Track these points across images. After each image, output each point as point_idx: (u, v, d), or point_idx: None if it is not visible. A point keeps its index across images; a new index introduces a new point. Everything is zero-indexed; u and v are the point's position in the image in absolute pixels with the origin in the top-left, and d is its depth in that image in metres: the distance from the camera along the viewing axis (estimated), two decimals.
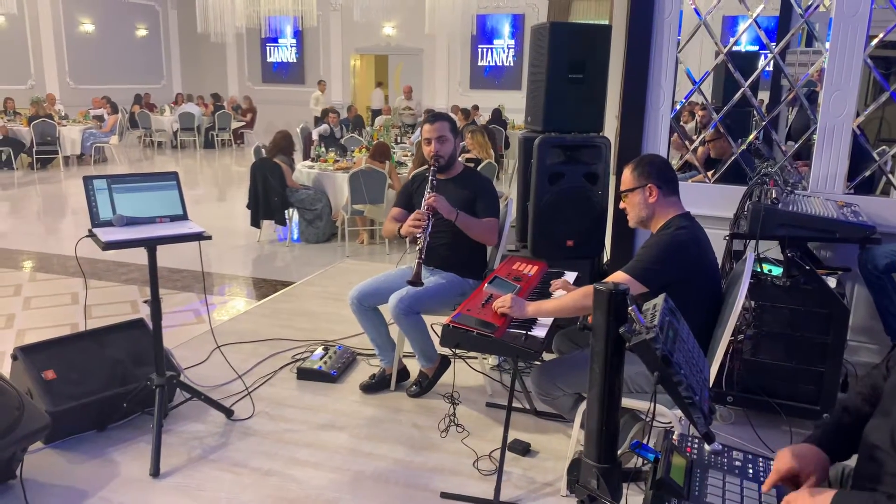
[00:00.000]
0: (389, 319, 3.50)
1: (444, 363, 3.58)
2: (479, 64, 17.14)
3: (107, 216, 2.91)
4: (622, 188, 2.67)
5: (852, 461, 1.59)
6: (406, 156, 8.23)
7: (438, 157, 3.40)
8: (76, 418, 3.04)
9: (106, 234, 2.80)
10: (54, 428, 2.81)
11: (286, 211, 7.06)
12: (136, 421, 3.23)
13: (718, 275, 2.68)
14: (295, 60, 18.90)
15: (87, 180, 2.92)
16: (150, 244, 2.94)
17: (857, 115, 3.69)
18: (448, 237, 3.42)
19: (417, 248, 3.27)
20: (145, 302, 3.06)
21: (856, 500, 1.33)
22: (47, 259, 6.28)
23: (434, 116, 3.52)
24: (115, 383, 3.15)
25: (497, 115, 12.61)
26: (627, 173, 2.64)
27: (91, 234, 2.84)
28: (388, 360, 3.61)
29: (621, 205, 2.71)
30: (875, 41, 3.59)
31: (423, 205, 3.31)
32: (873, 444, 1.47)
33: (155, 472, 2.83)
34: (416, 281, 3.21)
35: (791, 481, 1.51)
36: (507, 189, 9.83)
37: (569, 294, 2.66)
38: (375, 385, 3.61)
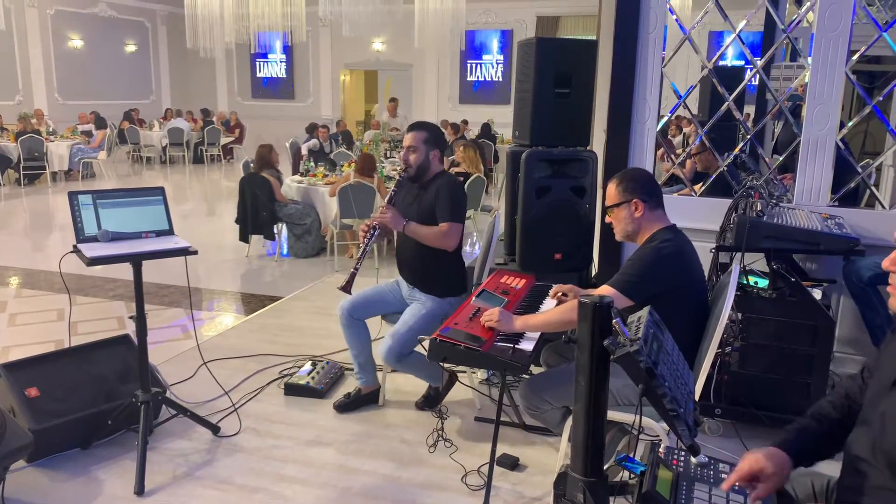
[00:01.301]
0: (373, 335, 3.51)
1: (453, 379, 3.58)
2: (468, 79, 17.24)
3: (92, 232, 2.90)
4: (608, 203, 2.68)
5: (836, 471, 1.59)
6: (395, 170, 8.24)
7: (407, 165, 3.41)
8: (60, 436, 3.00)
9: (91, 250, 2.78)
10: (37, 446, 2.77)
11: (275, 226, 7.04)
12: (120, 438, 3.19)
13: (705, 287, 2.69)
14: (284, 76, 18.95)
15: (73, 196, 2.91)
16: (136, 259, 2.93)
17: (842, 127, 3.73)
18: (416, 248, 3.36)
19: (356, 256, 3.32)
20: (131, 318, 3.04)
21: None
22: (33, 275, 6.23)
23: (411, 126, 3.51)
24: (100, 400, 3.12)
25: (486, 130, 12.67)
26: (612, 188, 2.65)
27: (76, 250, 2.83)
28: (366, 381, 3.57)
29: (607, 219, 2.72)
30: (856, 56, 3.63)
31: (374, 217, 3.35)
32: (856, 456, 1.47)
33: (139, 490, 2.79)
34: (346, 287, 3.30)
35: (751, 481, 1.52)
36: (497, 203, 9.85)
37: (556, 308, 2.66)
38: (351, 404, 3.55)
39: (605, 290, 2.48)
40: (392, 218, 3.29)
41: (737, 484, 1.51)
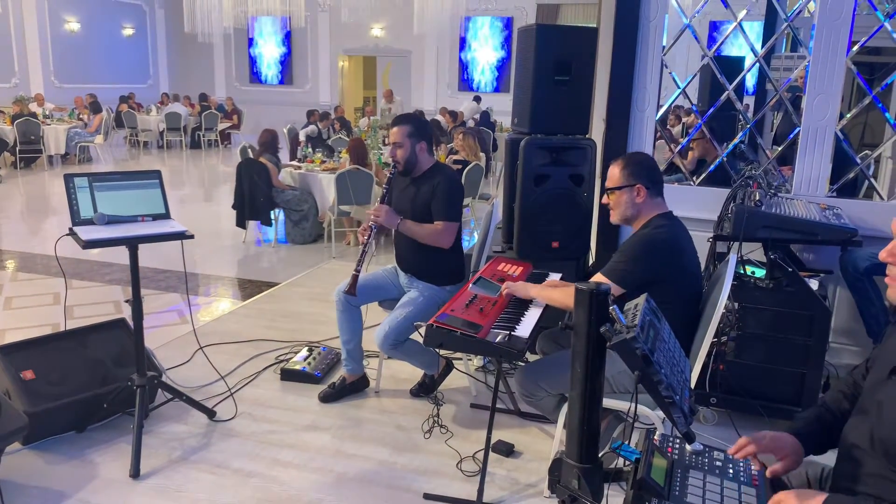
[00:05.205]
0: (371, 322, 3.50)
1: (449, 366, 3.58)
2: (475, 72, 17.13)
3: (88, 215, 2.89)
4: (609, 185, 2.64)
5: (831, 460, 1.60)
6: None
7: (395, 161, 3.39)
8: (55, 419, 3.00)
9: (86, 233, 2.77)
10: (32, 429, 2.77)
11: (272, 212, 7.02)
12: (116, 422, 3.19)
13: (699, 276, 2.69)
14: (283, 61, 18.83)
15: (69, 178, 2.89)
16: (131, 243, 2.92)
17: (841, 118, 3.72)
18: (412, 240, 3.36)
19: (357, 259, 3.34)
20: (127, 302, 3.03)
21: None
22: (30, 259, 6.21)
23: (394, 121, 3.46)
24: (96, 384, 3.12)
25: (485, 118, 12.62)
26: (616, 171, 2.62)
27: (71, 233, 2.81)
28: (352, 368, 3.56)
29: (604, 200, 2.69)
30: (856, 46, 3.62)
31: (368, 217, 3.34)
32: (852, 444, 1.47)
33: (135, 473, 2.80)
34: (350, 291, 3.31)
35: (767, 453, 1.53)
36: (495, 191, 9.83)
37: (563, 290, 2.67)
38: (335, 394, 3.54)
39: (598, 278, 2.48)
40: (386, 217, 3.29)
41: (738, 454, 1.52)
